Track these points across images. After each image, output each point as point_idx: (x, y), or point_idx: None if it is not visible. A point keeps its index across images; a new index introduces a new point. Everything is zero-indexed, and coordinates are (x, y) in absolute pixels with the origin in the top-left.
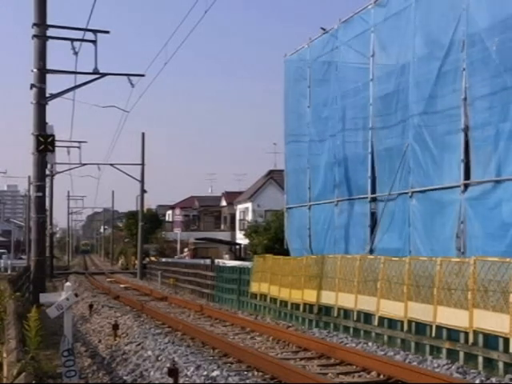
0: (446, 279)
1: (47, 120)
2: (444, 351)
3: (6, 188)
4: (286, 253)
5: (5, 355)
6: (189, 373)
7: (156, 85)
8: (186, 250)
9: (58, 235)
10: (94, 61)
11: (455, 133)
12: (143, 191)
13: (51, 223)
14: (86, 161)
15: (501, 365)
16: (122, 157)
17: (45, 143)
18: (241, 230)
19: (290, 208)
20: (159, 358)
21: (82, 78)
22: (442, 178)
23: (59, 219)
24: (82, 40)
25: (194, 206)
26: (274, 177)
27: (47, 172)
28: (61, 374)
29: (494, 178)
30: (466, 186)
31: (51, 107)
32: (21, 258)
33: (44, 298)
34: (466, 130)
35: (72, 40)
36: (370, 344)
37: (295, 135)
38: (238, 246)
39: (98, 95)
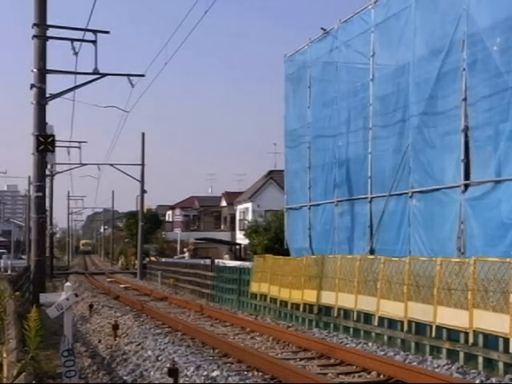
0: (446, 279)
1: (47, 120)
2: (444, 351)
3: (5, 188)
4: (286, 253)
5: (5, 355)
6: (189, 373)
7: (156, 85)
8: (185, 250)
9: (57, 235)
10: (94, 61)
11: (455, 133)
12: (143, 191)
13: (51, 223)
14: (85, 161)
15: (501, 365)
16: (122, 157)
17: (45, 143)
18: (241, 230)
19: (289, 208)
20: (159, 358)
21: (82, 78)
22: (441, 178)
23: (59, 219)
24: (82, 40)
25: (194, 206)
26: (274, 177)
27: (47, 172)
28: (61, 373)
29: (493, 178)
30: (466, 186)
31: (51, 107)
32: (21, 258)
33: (44, 297)
34: (466, 130)
35: (72, 40)
36: (370, 344)
37: (295, 135)
38: (238, 246)
39: (98, 95)
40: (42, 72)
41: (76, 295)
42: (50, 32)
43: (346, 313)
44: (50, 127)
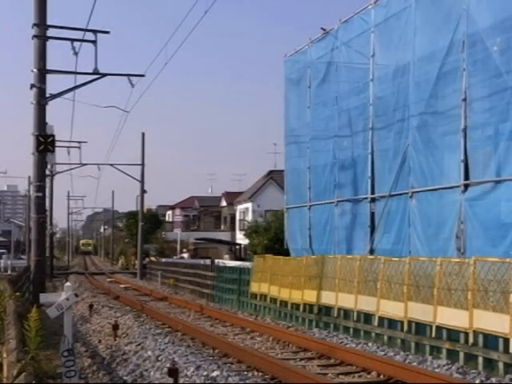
0: (446, 279)
1: (47, 120)
2: (444, 351)
3: (5, 188)
4: (286, 253)
5: (5, 355)
6: (189, 373)
7: (156, 85)
8: (184, 250)
9: (57, 235)
10: (94, 61)
11: (455, 133)
12: (143, 191)
13: (51, 223)
14: (85, 161)
15: (501, 365)
16: (122, 157)
17: (45, 143)
18: (241, 230)
19: (290, 208)
20: (159, 358)
21: (82, 78)
22: (441, 179)
23: (59, 219)
24: (82, 40)
25: (194, 206)
26: (274, 177)
27: (47, 172)
28: (61, 374)
29: (493, 178)
30: (466, 187)
31: (51, 107)
32: (21, 258)
33: (44, 298)
34: (466, 130)
35: (72, 40)
36: (370, 344)
37: (295, 135)
38: (238, 246)
39: (98, 95)
40: (42, 72)
41: (76, 295)
42: (50, 32)
43: (346, 313)
44: (50, 127)
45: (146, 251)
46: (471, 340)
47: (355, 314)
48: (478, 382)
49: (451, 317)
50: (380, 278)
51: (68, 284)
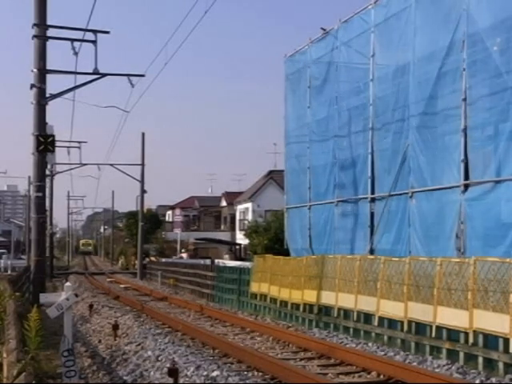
0: (446, 279)
1: (47, 120)
2: (444, 351)
3: (5, 188)
4: (286, 253)
5: (5, 355)
6: (189, 373)
7: (156, 85)
8: (183, 250)
9: (57, 235)
10: (94, 61)
11: (455, 133)
12: (143, 191)
13: (51, 223)
14: (85, 161)
15: (501, 365)
16: (122, 157)
17: (45, 143)
18: (241, 230)
19: (290, 208)
20: (159, 358)
21: (82, 78)
22: (441, 179)
23: (59, 219)
24: (82, 40)
25: (194, 206)
26: (274, 177)
27: (47, 172)
28: (61, 374)
29: (493, 178)
30: (466, 187)
31: (51, 107)
32: (21, 258)
33: (44, 298)
34: (466, 130)
35: (72, 40)
36: (369, 344)
37: (295, 135)
38: (238, 246)
39: (98, 95)
40: (42, 72)
41: (76, 295)
42: (50, 32)
43: (346, 313)
44: (50, 127)
45: (146, 251)
46: (471, 340)
47: (355, 314)
48: (477, 382)
49: (451, 317)
50: (380, 277)
51: (68, 284)
